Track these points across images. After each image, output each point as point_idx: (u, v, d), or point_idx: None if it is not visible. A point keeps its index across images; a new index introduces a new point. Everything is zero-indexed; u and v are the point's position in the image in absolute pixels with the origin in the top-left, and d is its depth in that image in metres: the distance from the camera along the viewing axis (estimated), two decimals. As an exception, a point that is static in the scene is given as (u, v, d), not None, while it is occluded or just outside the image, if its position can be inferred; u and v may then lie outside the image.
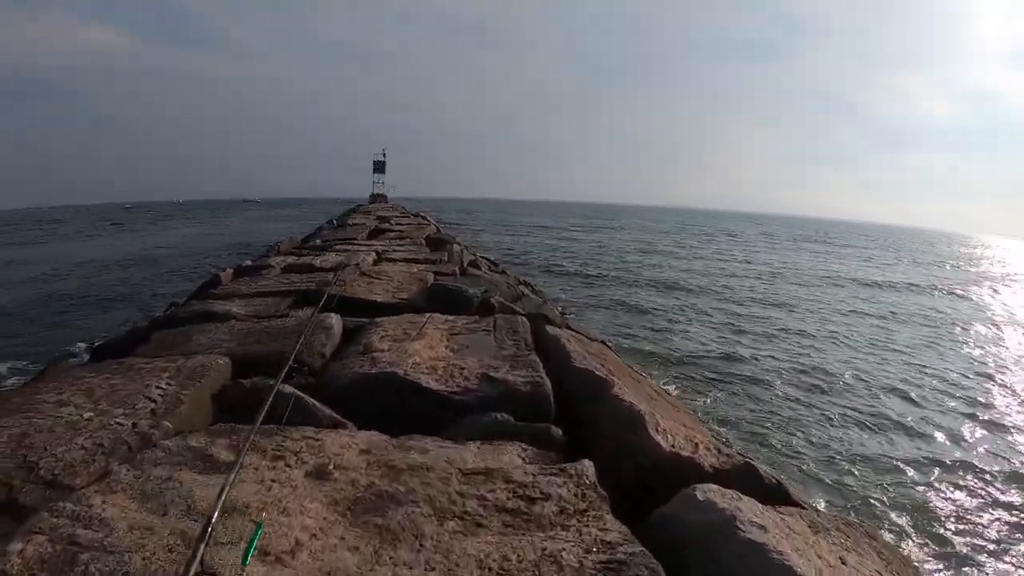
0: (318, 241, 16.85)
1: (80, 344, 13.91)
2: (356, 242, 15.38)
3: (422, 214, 33.35)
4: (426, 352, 4.99)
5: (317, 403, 4.00)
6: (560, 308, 13.40)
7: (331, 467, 3.04)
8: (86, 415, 3.95)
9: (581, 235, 57.43)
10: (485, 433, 3.58)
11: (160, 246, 38.96)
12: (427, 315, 6.44)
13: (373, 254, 12.12)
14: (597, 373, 4.60)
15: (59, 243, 45.82)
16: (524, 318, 6.46)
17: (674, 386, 11.59)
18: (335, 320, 6.08)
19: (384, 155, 70.04)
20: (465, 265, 12.81)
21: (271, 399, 3.69)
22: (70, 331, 16.03)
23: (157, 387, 4.38)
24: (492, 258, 19.56)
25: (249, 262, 12.40)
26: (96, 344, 10.16)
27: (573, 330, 7.13)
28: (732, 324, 18.10)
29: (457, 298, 7.77)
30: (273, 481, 2.94)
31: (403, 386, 4.29)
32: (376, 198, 64.84)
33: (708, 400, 11.28)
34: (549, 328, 6.11)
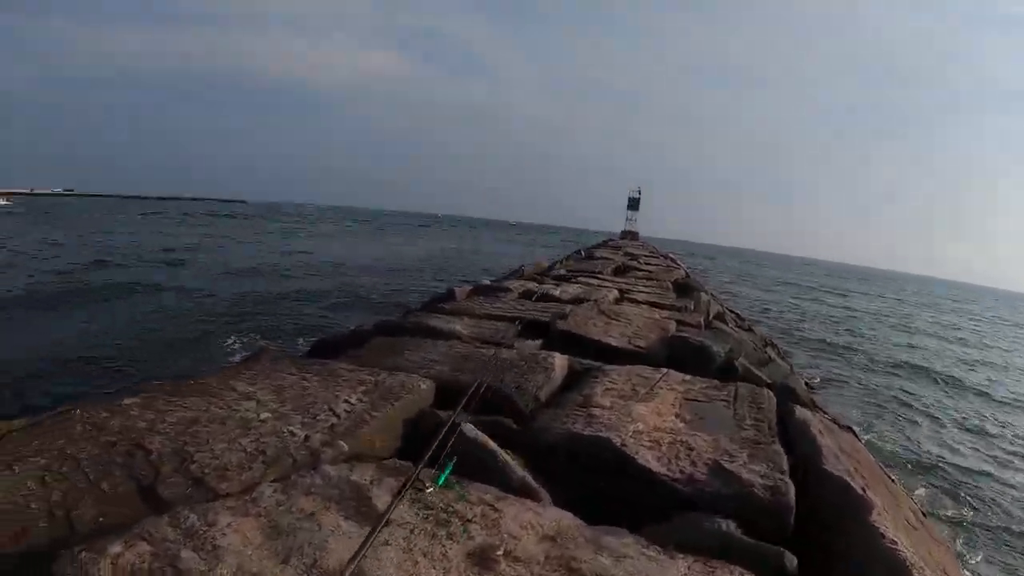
0: (562, 270, 16.63)
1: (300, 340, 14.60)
2: (600, 276, 14.99)
3: (671, 256, 32.48)
4: (652, 418, 4.37)
5: (510, 459, 3.54)
6: (805, 380, 12.13)
7: (500, 553, 2.53)
8: (262, 415, 3.82)
9: (831, 298, 53.29)
10: (702, 544, 2.90)
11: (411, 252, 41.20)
12: (663, 371, 5.81)
13: (616, 291, 11.65)
14: (852, 486, 3.76)
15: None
16: (770, 391, 5.64)
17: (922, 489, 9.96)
18: (558, 361, 5.61)
19: (639, 192, 70.00)
20: (711, 317, 11.99)
21: (450, 439, 3.29)
22: (314, 321, 17.01)
23: (346, 400, 4.17)
24: (738, 312, 18.43)
25: (488, 281, 12.34)
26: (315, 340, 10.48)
27: (822, 411, 6.17)
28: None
29: (699, 355, 7.07)
30: (424, 554, 2.48)
31: (616, 457, 3.71)
32: (627, 234, 64.78)
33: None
34: (797, 410, 5.27)
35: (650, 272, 18.08)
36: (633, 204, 69.45)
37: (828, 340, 24.87)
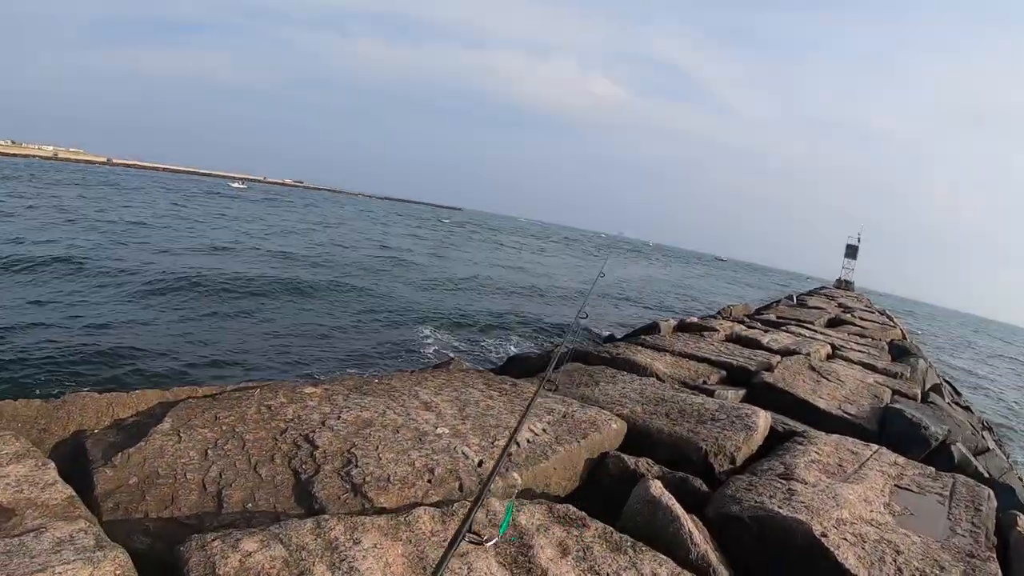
0: (772, 316, 16.06)
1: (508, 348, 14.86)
2: (811, 327, 14.33)
3: (887, 313, 30.50)
4: (859, 506, 4.14)
5: (695, 527, 3.36)
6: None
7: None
8: (440, 430, 3.87)
9: None
10: None
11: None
12: (873, 447, 5.51)
13: (828, 347, 11.11)
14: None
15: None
16: (991, 491, 5.18)
17: None
18: (762, 418, 5.46)
19: (859, 240, 66.33)
20: (927, 388, 11.17)
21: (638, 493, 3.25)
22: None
23: (531, 428, 4.18)
24: (955, 385, 17.01)
25: (695, 319, 12.13)
26: (513, 353, 10.66)
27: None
28: None
29: (914, 432, 6.65)
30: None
31: (812, 548, 3.51)
32: (841, 283, 61.58)
33: None
34: (1020, 519, 4.81)
35: (864, 328, 17.05)
36: (851, 252, 65.95)
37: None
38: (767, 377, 7.36)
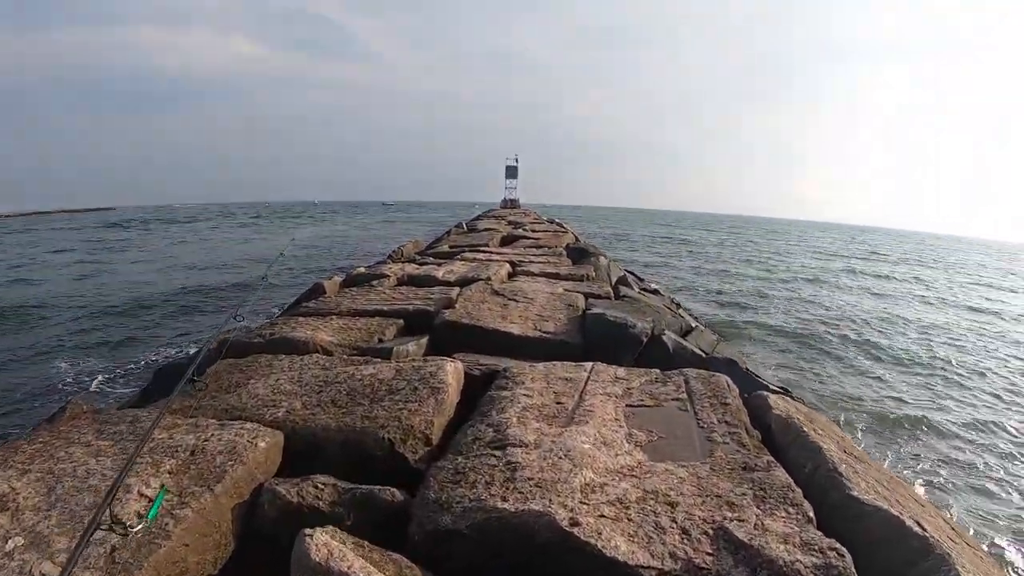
0: (445, 247, 15.08)
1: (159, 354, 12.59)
2: (486, 249, 13.53)
3: (556, 221, 31.27)
4: (600, 455, 2.97)
5: None
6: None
7: None
8: (12, 541, 2.29)
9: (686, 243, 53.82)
10: None
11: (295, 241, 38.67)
12: (587, 366, 4.46)
13: (507, 265, 10.23)
14: (907, 524, 2.54)
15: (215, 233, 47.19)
16: (727, 379, 4.36)
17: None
18: (451, 372, 4.13)
19: (516, 160, 69.06)
20: (614, 283, 10.79)
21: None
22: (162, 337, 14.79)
23: (141, 492, 2.62)
24: (636, 272, 17.32)
25: (363, 268, 10.73)
26: (160, 366, 8.63)
27: (791, 396, 4.92)
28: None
29: (621, 336, 5.79)
30: None
31: (564, 548, 2.31)
32: (508, 203, 63.74)
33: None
34: (771, 400, 4.01)
35: (539, 240, 16.75)
36: (511, 172, 68.49)
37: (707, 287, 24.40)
38: (449, 315, 6.16)
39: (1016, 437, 10.06)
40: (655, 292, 12.41)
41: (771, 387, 5.14)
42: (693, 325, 8.36)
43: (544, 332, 5.81)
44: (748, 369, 5.80)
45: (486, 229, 20.86)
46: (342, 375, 4.17)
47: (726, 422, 3.51)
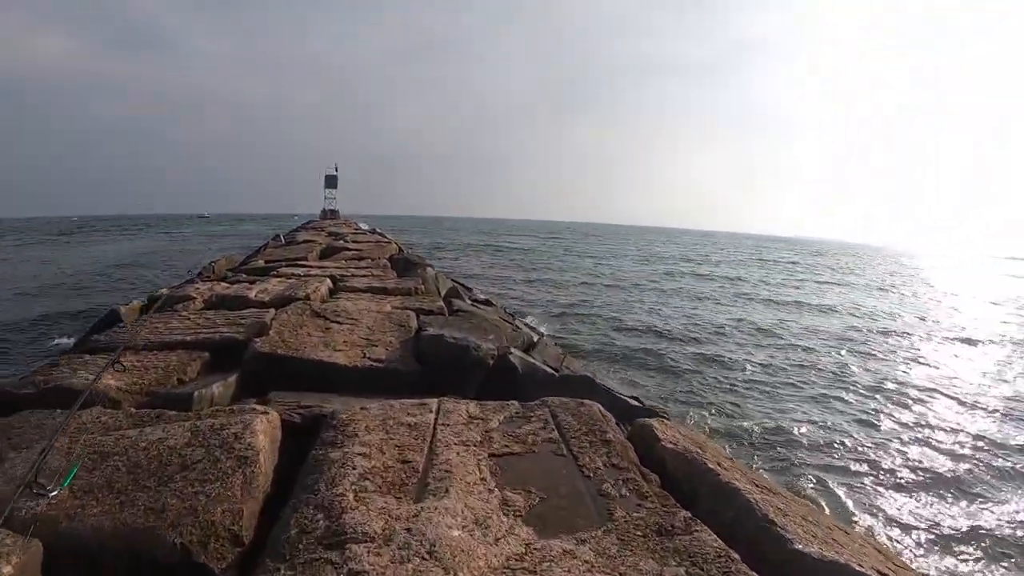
0: (260, 262, 13.78)
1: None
2: (305, 264, 12.41)
3: (379, 231, 30.21)
4: (477, 548, 2.15)
5: None
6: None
7: None
8: None
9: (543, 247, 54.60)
10: None
11: (99, 260, 35.18)
12: (431, 404, 3.67)
13: (328, 281, 9.24)
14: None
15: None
16: (598, 406, 3.71)
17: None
18: (262, 431, 3.16)
19: (336, 169, 67.02)
20: (444, 294, 10.06)
21: None
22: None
23: None
24: (464, 283, 16.63)
25: (165, 290, 9.44)
26: None
27: (667, 419, 4.33)
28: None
29: (464, 359, 5.06)
30: None
31: None
32: (328, 214, 61.74)
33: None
34: (659, 430, 3.39)
35: (360, 251, 15.74)
36: (331, 182, 66.37)
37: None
38: (262, 345, 5.18)
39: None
40: (488, 303, 11.74)
41: (645, 408, 4.57)
42: (535, 339, 7.74)
43: (374, 360, 4.98)
44: (608, 387, 5.22)
45: (304, 241, 19.52)
46: (123, 442, 3.13)
47: (614, 465, 2.86)
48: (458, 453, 2.95)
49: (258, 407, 3.54)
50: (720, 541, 2.21)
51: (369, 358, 5.03)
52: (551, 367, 5.89)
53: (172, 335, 5.81)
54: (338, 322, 6.15)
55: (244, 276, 10.73)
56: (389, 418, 3.41)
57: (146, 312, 7.78)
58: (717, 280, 36.91)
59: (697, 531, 2.27)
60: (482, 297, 12.66)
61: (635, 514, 2.40)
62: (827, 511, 6.78)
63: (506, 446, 3.08)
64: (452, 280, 13.73)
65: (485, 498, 2.52)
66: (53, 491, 2.54)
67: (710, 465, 2.87)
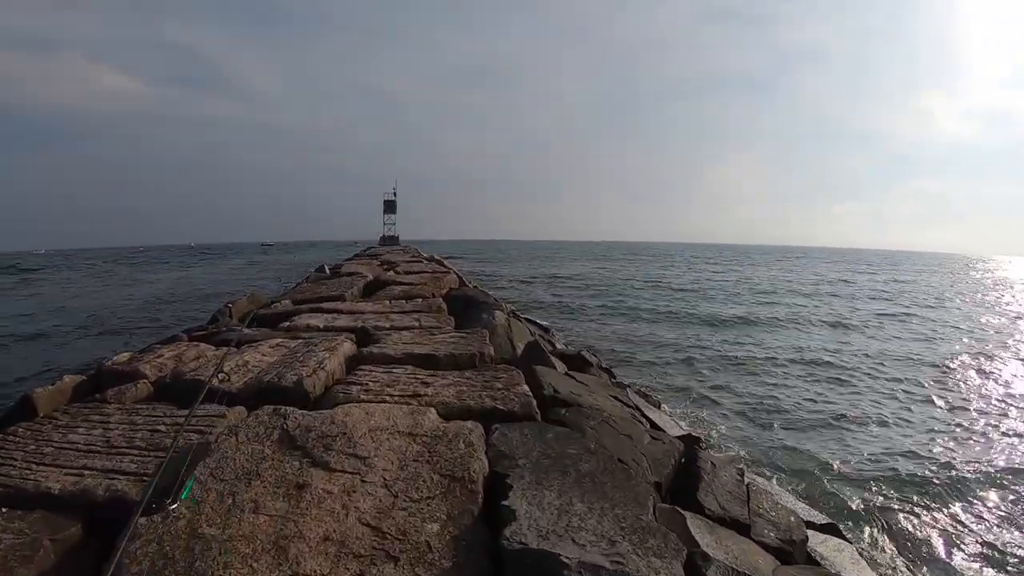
0: (286, 302, 10.82)
1: None
2: (336, 308, 9.37)
3: (436, 258, 27.07)
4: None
5: None
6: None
7: None
8: None
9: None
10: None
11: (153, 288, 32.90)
12: None
13: (348, 343, 6.21)
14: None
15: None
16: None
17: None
18: None
19: (395, 193, 64.72)
20: (521, 352, 6.99)
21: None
22: None
23: None
24: (536, 320, 13.18)
25: (125, 355, 6.49)
26: None
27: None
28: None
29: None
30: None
31: None
32: (387, 240, 59.43)
33: None
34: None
35: (412, 286, 12.65)
36: (389, 207, 64.14)
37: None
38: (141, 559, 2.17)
39: None
40: (581, 360, 8.49)
41: None
42: (704, 466, 4.48)
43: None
44: None
45: (349, 273, 16.33)
46: None
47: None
48: None
49: None
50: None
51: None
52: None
53: (51, 466, 3.06)
54: (326, 466, 3.08)
55: (241, 332, 7.77)
56: None
57: (77, 397, 5.06)
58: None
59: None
60: (570, 349, 9.40)
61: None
62: None
63: None
64: (526, 321, 10.53)
65: None
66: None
67: None
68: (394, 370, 5.23)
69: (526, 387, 4.88)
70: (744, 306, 28.58)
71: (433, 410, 4.06)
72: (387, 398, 4.41)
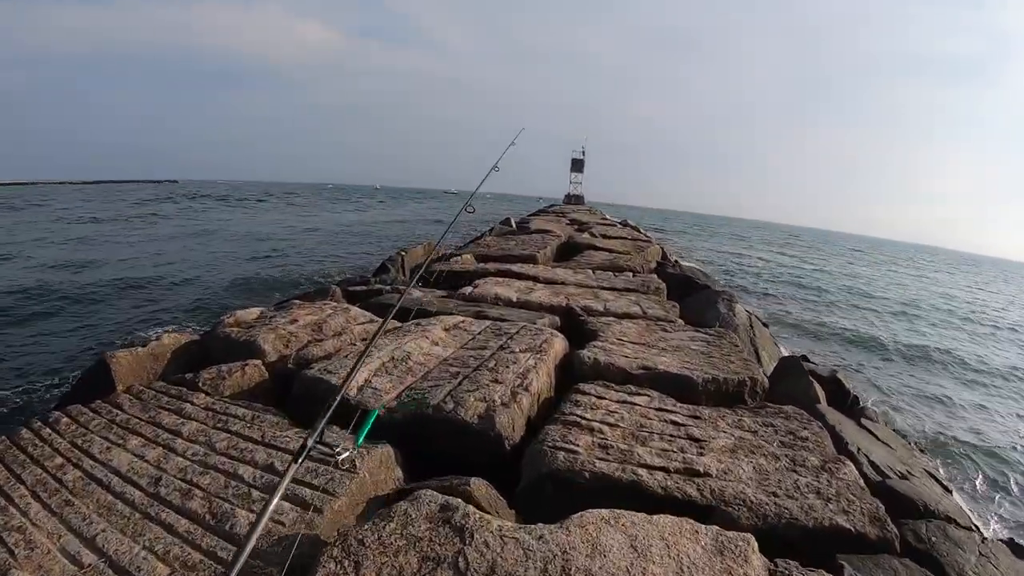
0: (467, 258, 9.21)
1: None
2: (528, 272, 7.60)
3: (630, 223, 24.59)
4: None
5: None
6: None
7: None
8: None
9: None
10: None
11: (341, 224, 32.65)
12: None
13: (558, 340, 4.40)
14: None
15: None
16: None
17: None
18: None
19: (583, 152, 62.38)
20: (767, 367, 4.97)
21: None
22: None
23: None
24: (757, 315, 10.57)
25: (232, 318, 4.92)
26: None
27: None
28: None
29: None
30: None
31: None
32: (571, 199, 57.47)
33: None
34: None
35: (613, 253, 10.68)
36: (577, 166, 61.96)
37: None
38: None
39: None
40: (839, 388, 6.12)
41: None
42: None
43: None
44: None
45: (539, 231, 14.37)
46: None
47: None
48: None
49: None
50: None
51: None
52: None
53: (52, 514, 2.28)
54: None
55: (407, 294, 6.12)
56: None
57: (179, 363, 3.63)
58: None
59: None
60: (818, 367, 7.05)
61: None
62: None
63: None
64: (755, 317, 8.30)
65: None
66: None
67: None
68: (635, 401, 3.34)
69: (853, 469, 2.88)
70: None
71: (752, 538, 2.10)
72: (641, 472, 2.55)
